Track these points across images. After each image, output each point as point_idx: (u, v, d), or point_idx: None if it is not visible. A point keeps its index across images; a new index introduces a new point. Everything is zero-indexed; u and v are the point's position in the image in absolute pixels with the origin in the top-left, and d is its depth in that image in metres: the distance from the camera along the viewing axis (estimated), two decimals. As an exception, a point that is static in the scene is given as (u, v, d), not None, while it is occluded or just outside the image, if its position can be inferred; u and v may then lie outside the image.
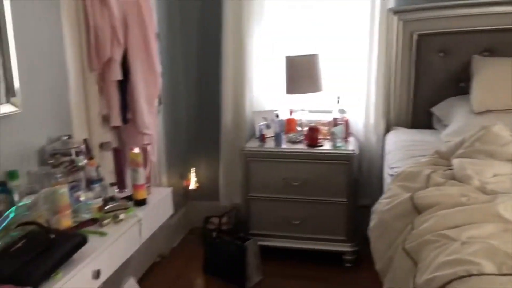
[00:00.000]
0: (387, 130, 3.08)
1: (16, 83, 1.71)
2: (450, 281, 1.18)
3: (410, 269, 1.38)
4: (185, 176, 3.48)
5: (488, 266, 1.18)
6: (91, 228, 1.61)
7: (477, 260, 1.20)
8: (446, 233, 1.36)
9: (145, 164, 1.94)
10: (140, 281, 2.53)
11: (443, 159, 1.95)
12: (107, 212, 1.70)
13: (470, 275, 1.17)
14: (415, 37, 2.96)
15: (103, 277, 1.49)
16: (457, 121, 2.59)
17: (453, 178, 1.73)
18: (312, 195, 2.92)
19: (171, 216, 3.21)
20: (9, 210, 1.35)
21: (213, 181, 3.49)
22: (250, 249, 2.79)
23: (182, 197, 3.49)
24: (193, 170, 3.49)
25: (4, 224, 1.32)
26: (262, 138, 3.06)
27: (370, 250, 1.78)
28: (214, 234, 2.93)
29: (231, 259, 2.82)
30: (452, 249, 1.29)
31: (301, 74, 3.01)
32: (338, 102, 3.06)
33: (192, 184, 3.48)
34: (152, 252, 3.02)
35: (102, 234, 1.57)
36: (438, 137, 2.64)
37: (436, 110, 2.89)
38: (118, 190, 1.93)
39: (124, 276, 2.01)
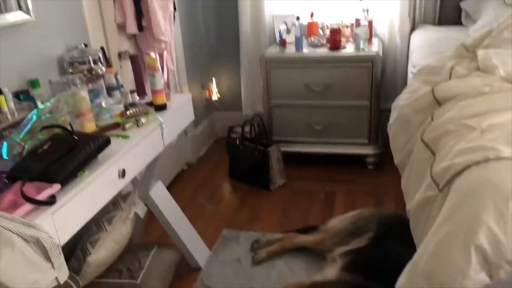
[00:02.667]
0: (413, 29, 2.95)
1: (26, -10, 1.68)
2: (467, 167, 1.18)
3: (428, 159, 1.38)
4: (206, 86, 3.48)
5: (506, 151, 1.17)
6: (114, 132, 1.65)
7: (495, 146, 1.19)
8: (466, 122, 1.34)
9: (162, 70, 1.93)
10: (169, 187, 2.64)
11: (468, 51, 1.87)
12: (128, 117, 1.73)
13: (487, 160, 1.16)
14: None
15: (129, 177, 1.55)
16: (487, 14, 2.45)
17: (477, 69, 1.67)
18: (334, 100, 2.90)
19: (196, 127, 3.31)
20: (31, 113, 1.39)
21: (235, 91, 3.49)
22: (273, 154, 2.85)
23: (205, 108, 3.52)
24: (214, 80, 3.48)
25: (29, 126, 1.37)
26: (283, 44, 2.98)
27: (392, 154, 1.79)
28: (238, 142, 2.98)
29: (255, 164, 2.89)
30: (471, 137, 1.28)
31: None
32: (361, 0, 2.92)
33: (214, 95, 3.49)
34: (180, 160, 3.13)
35: (125, 137, 1.62)
36: (466, 33, 2.52)
37: (466, 4, 2.73)
38: (138, 97, 1.95)
39: (152, 180, 2.10)
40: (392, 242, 1.95)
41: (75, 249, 1.90)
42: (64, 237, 1.26)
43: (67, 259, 1.88)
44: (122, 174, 1.51)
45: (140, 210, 2.07)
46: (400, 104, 1.73)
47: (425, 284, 1.13)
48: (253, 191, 2.88)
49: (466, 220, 1.08)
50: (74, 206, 1.29)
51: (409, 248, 1.95)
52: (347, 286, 1.75)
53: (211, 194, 2.92)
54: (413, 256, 1.27)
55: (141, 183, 2.13)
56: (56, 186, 1.24)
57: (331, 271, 1.89)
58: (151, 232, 2.44)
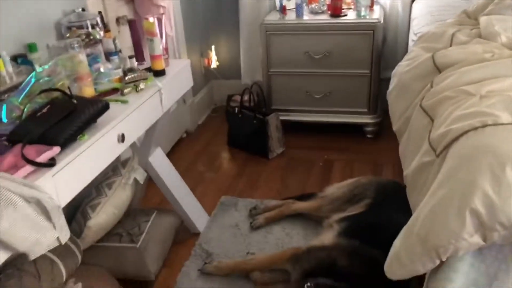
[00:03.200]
0: (415, -4, 2.90)
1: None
2: (465, 133, 1.19)
3: (426, 125, 1.39)
4: (205, 54, 3.45)
5: (504, 117, 1.17)
6: (113, 97, 1.65)
7: (494, 112, 1.19)
8: (466, 89, 1.34)
9: (161, 36, 1.91)
10: (168, 155, 2.65)
11: (470, 18, 1.85)
12: (127, 82, 1.72)
13: (485, 126, 1.17)
14: None
15: (128, 141, 1.56)
16: (491, -19, 2.40)
17: (479, 36, 1.66)
18: (335, 68, 2.88)
19: (195, 95, 3.30)
20: (30, 76, 1.38)
21: (234, 59, 3.46)
22: (272, 123, 2.85)
23: (204, 76, 3.50)
24: (213, 48, 3.44)
25: (27, 89, 1.36)
26: (283, 10, 2.94)
27: (391, 123, 1.79)
28: (237, 110, 2.98)
29: (253, 132, 2.90)
30: (469, 103, 1.28)
31: None
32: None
33: (213, 63, 3.46)
34: (179, 129, 3.13)
35: (124, 102, 1.61)
36: (468, 1, 2.48)
37: (470, -29, 2.68)
38: (136, 62, 1.94)
39: (152, 146, 2.10)
40: (389, 209, 1.97)
41: (75, 214, 1.93)
42: (65, 199, 1.28)
43: (68, 223, 1.91)
44: (122, 138, 1.52)
45: (140, 175, 2.09)
46: (400, 71, 1.72)
47: (419, 247, 1.15)
48: (252, 159, 2.89)
49: (462, 184, 1.09)
50: (74, 169, 1.30)
51: (406, 215, 1.97)
52: (343, 251, 1.78)
53: (210, 162, 2.93)
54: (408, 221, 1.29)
55: (141, 149, 2.14)
56: (56, 149, 1.25)
57: (327, 237, 1.93)
58: (151, 198, 2.47)
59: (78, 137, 1.35)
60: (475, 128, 1.17)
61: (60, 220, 1.17)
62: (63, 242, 1.18)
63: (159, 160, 2.18)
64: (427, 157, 1.30)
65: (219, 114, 3.48)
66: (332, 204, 2.15)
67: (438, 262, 1.16)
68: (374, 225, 1.91)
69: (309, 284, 1.68)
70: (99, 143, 1.41)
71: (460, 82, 1.38)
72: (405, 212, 2.00)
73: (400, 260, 1.21)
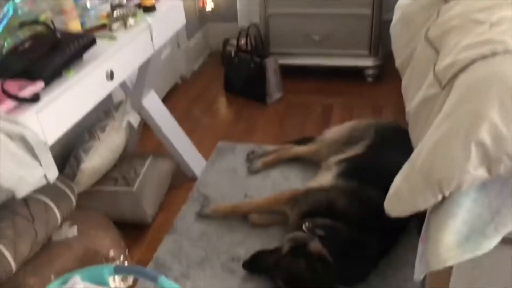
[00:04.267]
0: None
1: None
2: (473, 62, 1.11)
3: (431, 57, 1.31)
4: (200, -5, 3.30)
5: (516, 44, 1.09)
6: (100, 33, 1.56)
7: (504, 39, 1.11)
8: (475, 16, 1.25)
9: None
10: (163, 101, 2.56)
11: None
12: (115, 18, 1.63)
13: (495, 54, 1.09)
14: None
15: (118, 79, 1.48)
16: None
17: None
18: (335, 8, 2.75)
19: (189, 39, 3.18)
20: (6, 6, 1.29)
21: (230, 0, 3.31)
22: (270, 66, 2.76)
23: (198, 19, 3.36)
24: (208, -12, 3.29)
25: (5, 21, 1.28)
26: None
27: (392, 65, 1.70)
28: (233, 54, 2.87)
29: (251, 77, 2.81)
30: (478, 31, 1.20)
31: None
32: None
33: (208, 5, 3.31)
34: (173, 74, 3.04)
35: (112, 38, 1.53)
36: None
37: None
38: (125, -2, 1.83)
39: (145, 88, 2.03)
40: (388, 150, 1.93)
41: (69, 158, 1.89)
42: (52, 137, 1.22)
43: (62, 168, 1.87)
44: (111, 75, 1.44)
45: (133, 119, 2.04)
46: (404, 3, 1.62)
47: (422, 182, 1.11)
48: (249, 104, 2.82)
49: (468, 115, 1.03)
50: (61, 106, 1.24)
51: (405, 156, 1.94)
52: (341, 192, 1.75)
53: (206, 107, 2.87)
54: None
55: (134, 91, 2.07)
56: (40, 84, 1.18)
57: (326, 178, 1.90)
58: (146, 143, 2.42)
59: (64, 72, 1.28)
60: (484, 57, 1.10)
61: (47, 157, 1.12)
62: (51, 181, 1.14)
63: (153, 103, 2.11)
64: (432, 90, 1.23)
65: (215, 59, 3.37)
66: (331, 147, 2.11)
67: (440, 197, 1.12)
68: (372, 166, 1.87)
69: (307, 224, 1.66)
70: (86, 80, 1.34)
71: (468, 10, 1.29)
72: (405, 153, 1.95)
73: (401, 196, 1.18)
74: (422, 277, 1.23)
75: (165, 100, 2.82)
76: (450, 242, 1.12)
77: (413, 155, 1.19)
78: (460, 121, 1.05)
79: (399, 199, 1.19)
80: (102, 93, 1.43)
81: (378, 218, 1.66)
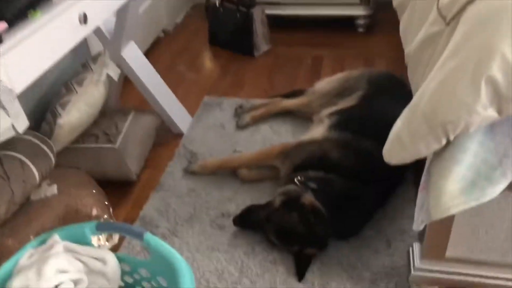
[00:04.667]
0: None
1: None
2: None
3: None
4: None
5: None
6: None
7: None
8: None
9: None
10: (145, 55, 2.43)
11: None
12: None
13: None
14: None
15: (92, 24, 1.35)
16: None
17: None
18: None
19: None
20: None
21: None
22: (257, 17, 2.62)
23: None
24: None
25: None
26: None
27: (384, 15, 1.60)
28: (217, 3, 2.72)
29: (237, 29, 2.67)
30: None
31: None
32: None
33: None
34: (155, 27, 2.88)
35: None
36: None
37: None
38: None
39: (123, 39, 1.90)
40: (382, 100, 1.86)
41: (45, 114, 1.77)
42: (19, 85, 1.10)
43: (38, 125, 1.76)
44: (84, 19, 1.31)
45: (113, 72, 1.91)
46: None
47: (425, 126, 1.03)
48: (236, 57, 2.70)
49: (478, 50, 0.94)
50: (27, 50, 1.12)
51: (400, 106, 1.86)
52: (334, 143, 1.68)
53: (191, 62, 2.74)
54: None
55: (112, 42, 1.94)
56: (2, 24, 1.06)
57: (318, 131, 1.82)
58: (128, 98, 2.30)
59: (29, 13, 1.15)
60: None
61: (14, 106, 1.01)
62: (20, 131, 1.03)
63: (133, 55, 1.99)
64: (435, 27, 1.13)
65: (198, 11, 3.21)
66: (322, 99, 2.02)
67: (444, 141, 1.05)
68: (366, 117, 1.80)
69: (299, 177, 1.59)
70: (56, 23, 1.21)
71: None
72: (399, 103, 1.87)
73: (401, 141, 1.10)
74: (422, 227, 1.18)
75: (147, 54, 2.67)
76: (454, 189, 1.06)
77: (414, 98, 1.10)
78: (468, 56, 0.96)
79: (400, 145, 1.11)
80: (74, 38, 1.30)
81: (373, 169, 1.60)
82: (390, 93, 1.90)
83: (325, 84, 2.09)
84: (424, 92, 1.06)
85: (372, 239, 1.56)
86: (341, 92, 1.98)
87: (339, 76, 2.08)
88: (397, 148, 1.13)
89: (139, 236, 1.11)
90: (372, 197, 1.59)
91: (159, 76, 2.15)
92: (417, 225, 1.18)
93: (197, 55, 2.79)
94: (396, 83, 1.97)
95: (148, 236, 1.11)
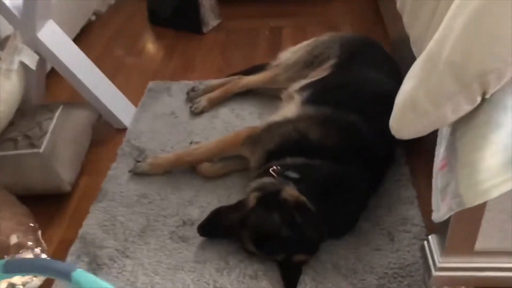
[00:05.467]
0: None
1: None
2: None
3: None
4: None
5: None
6: None
7: None
8: None
9: None
10: (74, 42, 2.04)
11: None
12: None
13: None
14: None
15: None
16: None
17: None
18: None
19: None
20: None
21: None
22: (203, -13, 2.28)
23: None
24: None
25: None
26: None
27: None
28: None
29: (180, 2, 2.32)
30: None
31: None
32: None
33: None
34: (85, 9, 2.47)
35: None
36: None
37: None
38: None
39: (37, 16, 1.52)
40: (360, 67, 1.58)
41: None
42: None
43: None
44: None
45: (28, 58, 1.54)
46: None
47: (452, 80, 0.76)
48: (182, 36, 2.35)
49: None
50: None
51: (383, 70, 1.60)
52: (313, 121, 1.38)
53: (129, 45, 2.36)
54: (412, 66, 0.87)
55: (23, 21, 1.55)
56: None
57: (290, 109, 1.52)
58: (58, 93, 1.92)
59: None
60: None
61: None
62: None
63: (52, 36, 1.61)
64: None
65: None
66: (289, 72, 1.72)
67: (479, 100, 0.77)
68: (344, 88, 1.51)
69: (275, 167, 1.28)
70: None
71: None
72: (381, 67, 1.63)
73: (417, 106, 0.81)
74: (446, 217, 0.91)
75: (77, 40, 2.27)
76: (495, 164, 0.79)
77: (431, 46, 0.81)
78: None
79: (415, 111, 0.83)
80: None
81: (362, 147, 1.33)
82: (368, 58, 1.62)
83: (290, 54, 1.79)
84: (445, 38, 0.77)
85: (370, 234, 1.28)
86: (310, 61, 1.69)
87: (306, 44, 1.79)
88: (411, 116, 0.84)
89: (65, 276, 0.77)
90: (365, 181, 1.31)
91: (91, 63, 1.78)
92: (441, 215, 0.91)
93: (137, 37, 2.41)
94: (373, 46, 1.70)
95: (78, 274, 0.77)
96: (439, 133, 1.00)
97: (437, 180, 0.94)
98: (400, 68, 1.55)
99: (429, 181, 1.42)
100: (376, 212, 1.33)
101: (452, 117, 0.80)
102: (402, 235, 1.26)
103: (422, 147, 1.51)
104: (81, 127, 1.63)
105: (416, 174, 1.45)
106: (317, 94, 1.51)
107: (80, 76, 1.69)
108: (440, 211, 0.91)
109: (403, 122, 0.85)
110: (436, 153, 0.99)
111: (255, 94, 1.83)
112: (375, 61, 1.60)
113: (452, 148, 0.87)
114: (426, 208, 1.32)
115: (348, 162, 1.28)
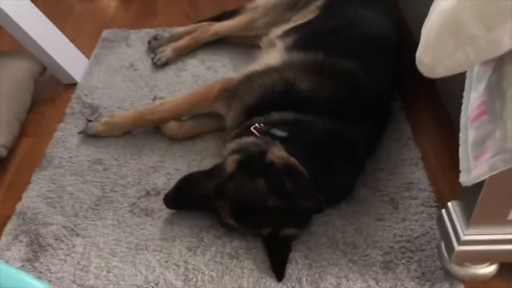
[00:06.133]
0: None
1: None
2: None
3: None
4: None
5: None
6: None
7: None
8: None
9: None
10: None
11: None
12: None
13: None
14: None
15: None
16: None
17: None
18: None
19: None
20: None
21: None
22: None
23: None
24: None
25: None
26: None
27: None
28: None
29: None
30: None
31: None
32: None
33: None
34: None
35: None
36: None
37: None
38: None
39: None
40: (351, 6, 1.34)
41: None
42: None
43: None
44: None
45: None
46: None
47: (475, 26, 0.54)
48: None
49: None
50: None
51: (379, 9, 1.38)
52: (301, 68, 1.15)
53: (80, -10, 2.04)
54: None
55: None
56: None
57: (271, 56, 1.28)
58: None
59: None
60: None
61: None
62: None
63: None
64: None
65: None
66: (269, 15, 1.48)
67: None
68: (336, 31, 1.28)
69: (257, 125, 1.06)
70: None
71: None
72: (377, 6, 1.41)
73: (462, 30, 0.60)
74: (481, 179, 0.71)
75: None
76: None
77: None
78: None
79: (459, 36, 0.61)
80: None
81: (361, 99, 1.11)
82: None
83: (269, -5, 1.53)
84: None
85: (370, 201, 1.09)
86: (294, 3, 1.45)
87: (287, -17, 1.53)
88: (451, 45, 0.63)
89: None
90: (363, 140, 1.10)
91: (33, 5, 1.47)
92: (474, 176, 0.72)
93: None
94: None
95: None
96: (468, 74, 0.80)
97: (468, 132, 0.74)
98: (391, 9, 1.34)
99: (433, 139, 1.23)
100: (375, 176, 1.14)
101: (509, 43, 0.59)
102: (407, 202, 1.07)
103: (423, 99, 1.32)
104: (20, 81, 1.36)
105: (418, 132, 1.25)
106: (304, 39, 1.28)
107: (21, 22, 1.39)
108: (473, 172, 0.71)
109: (440, 54, 0.63)
110: (465, 99, 0.79)
111: (228, 43, 1.58)
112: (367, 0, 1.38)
113: (496, 90, 0.66)
114: (433, 170, 1.15)
115: (344, 117, 1.07)
